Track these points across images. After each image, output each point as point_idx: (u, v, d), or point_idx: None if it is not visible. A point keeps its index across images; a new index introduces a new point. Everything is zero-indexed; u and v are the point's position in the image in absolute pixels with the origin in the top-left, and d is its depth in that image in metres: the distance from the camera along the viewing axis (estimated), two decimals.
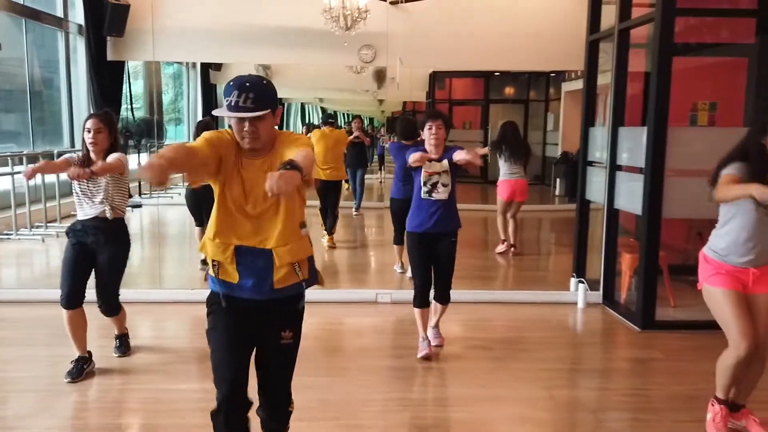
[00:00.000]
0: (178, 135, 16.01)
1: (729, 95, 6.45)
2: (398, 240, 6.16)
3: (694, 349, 4.41)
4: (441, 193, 3.99)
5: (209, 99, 15.31)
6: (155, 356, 4.22)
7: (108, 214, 3.74)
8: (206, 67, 14.61)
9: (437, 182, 3.99)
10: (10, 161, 7.92)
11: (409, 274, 5.47)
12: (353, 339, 4.82)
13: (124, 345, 4.16)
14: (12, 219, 7.80)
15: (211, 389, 2.35)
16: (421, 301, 4.19)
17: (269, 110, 2.21)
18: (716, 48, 6.39)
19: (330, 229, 7.70)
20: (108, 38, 9.14)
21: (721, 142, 5.00)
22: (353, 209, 10.46)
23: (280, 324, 2.37)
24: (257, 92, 2.17)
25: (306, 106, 18.71)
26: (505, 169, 7.43)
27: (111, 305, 3.92)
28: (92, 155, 3.71)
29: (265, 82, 2.24)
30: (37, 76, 9.99)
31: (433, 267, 4.16)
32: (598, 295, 5.50)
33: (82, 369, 3.79)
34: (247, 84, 2.17)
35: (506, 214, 7.53)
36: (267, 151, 2.29)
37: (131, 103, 12.09)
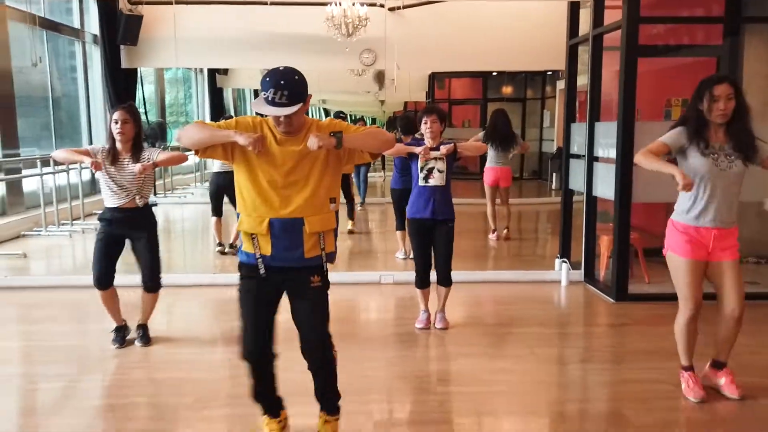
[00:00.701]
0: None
1: None
2: (400, 226, 6.78)
3: (660, 316, 4.98)
4: (437, 179, 4.49)
5: (217, 102, 15.93)
6: (185, 329, 4.83)
7: (139, 203, 4.16)
8: (213, 72, 15.25)
9: (433, 168, 4.48)
10: (39, 163, 8.53)
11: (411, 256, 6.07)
12: (360, 313, 5.42)
13: (146, 335, 4.43)
14: (41, 217, 8.41)
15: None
16: (421, 283, 4.73)
17: (301, 104, 2.57)
18: (688, 49, 6.95)
19: (350, 214, 8.54)
20: (122, 47, 9.78)
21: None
22: (357, 204, 11.03)
23: (308, 275, 2.81)
24: (291, 90, 2.52)
25: (310, 109, 19.24)
26: (491, 157, 8.03)
27: (157, 281, 4.34)
28: (119, 145, 4.06)
29: (297, 77, 2.56)
30: (56, 83, 10.57)
31: (433, 251, 4.65)
32: (579, 274, 6.09)
33: (124, 336, 4.39)
34: (282, 82, 2.51)
35: (494, 203, 8.13)
36: (298, 134, 2.70)
37: (145, 107, 12.68)
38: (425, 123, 4.52)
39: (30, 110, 10.00)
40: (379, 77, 13.84)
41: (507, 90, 17.95)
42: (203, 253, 8.01)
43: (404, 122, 6.72)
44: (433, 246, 4.63)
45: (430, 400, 3.56)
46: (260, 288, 2.80)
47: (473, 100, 18.00)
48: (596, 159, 5.91)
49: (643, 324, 4.90)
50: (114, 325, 4.42)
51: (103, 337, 4.44)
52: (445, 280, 4.68)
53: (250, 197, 2.72)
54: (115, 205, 4.14)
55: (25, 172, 8.84)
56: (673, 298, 5.32)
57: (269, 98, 2.56)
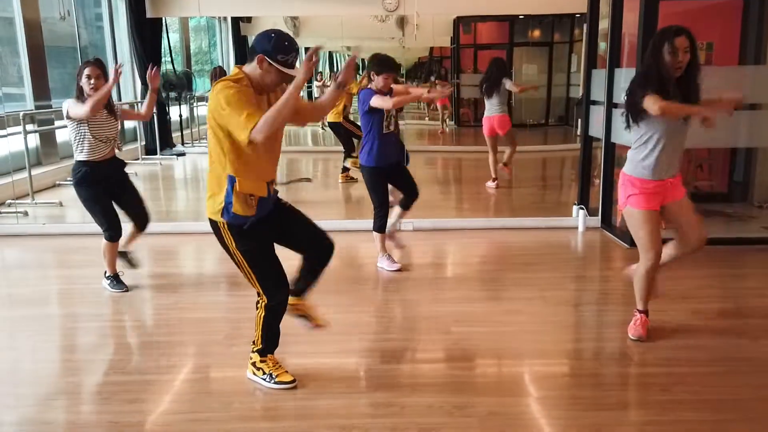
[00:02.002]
0: (208, 86, 16.66)
1: (725, 35, 6.93)
2: None
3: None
4: (394, 126, 4.84)
5: (241, 50, 15.96)
6: (211, 274, 5.09)
7: (117, 151, 4.42)
8: (237, 20, 15.25)
9: (392, 115, 4.80)
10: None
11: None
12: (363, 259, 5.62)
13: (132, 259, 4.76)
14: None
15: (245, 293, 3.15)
16: (385, 226, 4.98)
17: None
18: None
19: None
20: None
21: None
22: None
23: (281, 204, 3.15)
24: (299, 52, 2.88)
25: (334, 55, 19.15)
26: (486, 106, 8.08)
27: (149, 218, 4.59)
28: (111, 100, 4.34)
29: None
30: (83, 34, 10.72)
31: (399, 187, 5.06)
32: (597, 220, 6.19)
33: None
34: (296, 47, 2.82)
35: (495, 151, 8.20)
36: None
37: (171, 57, 12.82)
38: (386, 78, 4.64)
39: (59, 61, 10.20)
40: (402, 23, 13.73)
41: (534, 34, 17.64)
42: None
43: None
44: (398, 184, 5.06)
45: (447, 339, 3.76)
46: (266, 239, 3.05)
47: (499, 45, 17.73)
48: (615, 105, 5.93)
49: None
50: (108, 273, 4.59)
51: (135, 280, 4.70)
52: (416, 197, 5.05)
53: (254, 160, 2.89)
54: (98, 159, 4.29)
55: (57, 123, 9.09)
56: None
57: (290, 61, 2.80)
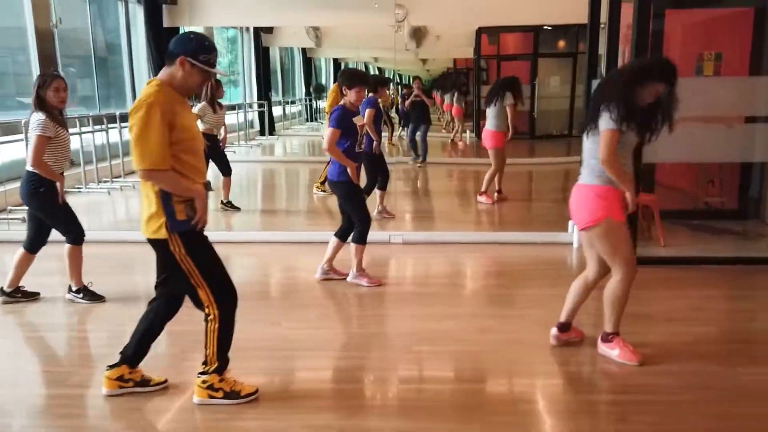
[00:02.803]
0: (234, 96, 16.84)
1: (735, 45, 6.67)
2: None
3: (660, 280, 4.89)
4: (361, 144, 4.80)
5: (265, 61, 16.09)
6: None
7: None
8: (258, 31, 15.38)
9: (363, 134, 4.80)
10: (78, 123, 8.87)
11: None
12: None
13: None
14: (81, 174, 8.78)
15: None
16: (365, 237, 4.79)
17: None
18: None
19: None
20: (164, 6, 9.97)
21: (701, 90, 5.42)
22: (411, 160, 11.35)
23: None
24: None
25: (357, 66, 19.19)
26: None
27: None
28: (64, 112, 4.29)
29: None
30: (101, 43, 10.88)
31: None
32: None
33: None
34: (216, 47, 2.87)
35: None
36: None
37: None
38: (358, 92, 4.61)
39: (78, 70, 10.36)
40: (416, 34, 13.65)
41: (559, 44, 17.43)
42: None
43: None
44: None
45: (406, 358, 3.62)
46: (209, 244, 3.02)
47: (523, 56, 17.54)
48: None
49: (641, 288, 4.75)
50: (74, 287, 4.51)
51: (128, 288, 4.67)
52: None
53: (192, 163, 2.90)
54: (61, 171, 4.31)
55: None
56: (683, 262, 5.32)
57: (211, 60, 2.83)
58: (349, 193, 4.72)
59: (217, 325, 2.96)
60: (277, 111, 18.27)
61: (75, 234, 4.37)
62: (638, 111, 3.28)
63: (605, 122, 3.23)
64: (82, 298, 4.46)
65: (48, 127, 4.11)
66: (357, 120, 4.67)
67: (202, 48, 2.80)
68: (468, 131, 15.41)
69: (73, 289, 4.47)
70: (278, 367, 3.49)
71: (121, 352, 3.16)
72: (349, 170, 4.57)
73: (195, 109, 7.39)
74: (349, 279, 4.82)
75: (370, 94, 6.81)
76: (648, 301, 4.62)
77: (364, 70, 19.93)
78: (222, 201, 7.55)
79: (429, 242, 6.06)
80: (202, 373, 3.06)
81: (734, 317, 4.29)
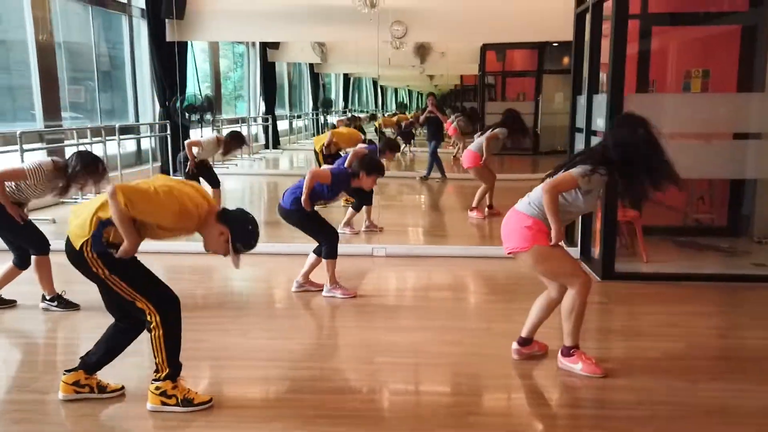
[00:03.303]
0: (240, 110, 16.99)
1: (723, 62, 6.67)
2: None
3: (640, 296, 4.87)
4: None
5: (270, 75, 16.24)
6: None
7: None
8: (264, 46, 15.54)
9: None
10: (76, 134, 9.01)
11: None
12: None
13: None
14: None
15: None
16: (335, 252, 4.83)
17: None
18: (711, 17, 6.60)
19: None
20: (167, 20, 10.12)
21: (689, 107, 5.42)
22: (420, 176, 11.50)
23: None
24: None
25: (363, 80, 19.35)
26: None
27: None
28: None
29: None
30: (104, 58, 11.04)
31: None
32: (576, 251, 5.95)
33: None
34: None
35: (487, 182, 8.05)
36: None
37: (198, 81, 13.09)
38: (374, 182, 5.00)
39: (80, 83, 10.52)
40: (420, 51, 13.73)
41: (564, 61, 17.44)
42: None
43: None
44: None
45: (366, 369, 3.62)
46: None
47: (528, 72, 17.58)
48: (594, 133, 5.73)
49: (617, 303, 4.79)
50: (47, 296, 4.54)
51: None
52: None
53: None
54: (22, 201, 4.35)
55: (66, 142, 9.33)
56: (665, 278, 5.29)
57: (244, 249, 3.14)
58: (302, 219, 4.77)
59: (161, 332, 2.98)
60: (284, 125, 18.42)
61: (38, 245, 4.40)
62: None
63: (576, 169, 3.29)
64: (56, 306, 4.49)
65: (37, 173, 4.13)
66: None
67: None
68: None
69: (47, 298, 4.51)
70: (235, 377, 3.51)
71: (81, 357, 3.19)
72: (303, 199, 4.65)
73: (203, 139, 7.58)
74: (324, 293, 4.84)
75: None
76: (621, 317, 4.62)
77: (371, 86, 20.06)
78: None
79: (412, 255, 6.07)
80: (155, 380, 3.08)
81: (706, 333, 4.24)
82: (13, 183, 4.19)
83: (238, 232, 3.01)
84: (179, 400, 3.06)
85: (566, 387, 3.41)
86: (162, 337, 2.99)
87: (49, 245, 4.45)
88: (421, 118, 12.40)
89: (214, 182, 7.57)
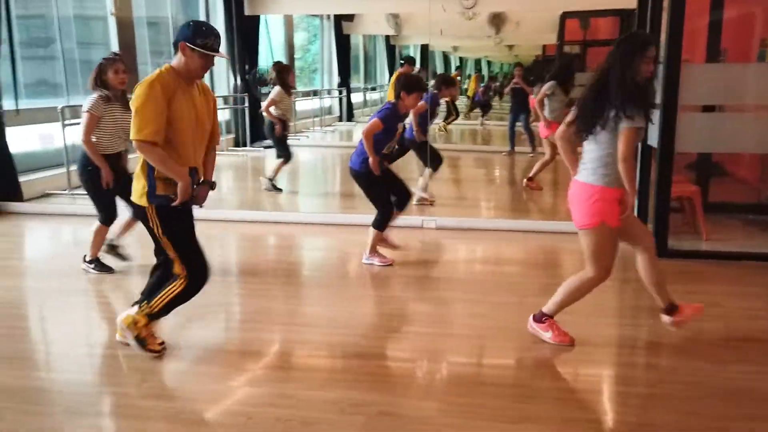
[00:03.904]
0: (312, 83, 17.23)
1: None
2: None
3: (686, 274, 4.70)
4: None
5: (344, 49, 16.35)
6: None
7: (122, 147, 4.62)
8: (339, 19, 15.65)
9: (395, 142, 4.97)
10: None
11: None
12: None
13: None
14: None
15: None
16: (385, 224, 4.89)
17: None
18: None
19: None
20: None
21: (736, 77, 5.13)
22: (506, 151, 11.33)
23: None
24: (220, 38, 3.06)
25: (436, 53, 19.14)
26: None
27: None
28: (112, 93, 4.44)
29: None
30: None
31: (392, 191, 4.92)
32: None
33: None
34: (216, 31, 3.06)
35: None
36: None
37: (272, 53, 13.40)
38: (416, 98, 4.79)
39: (159, 58, 10.98)
40: (495, 20, 13.46)
41: None
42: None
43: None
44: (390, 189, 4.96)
45: (389, 338, 3.72)
46: (189, 225, 3.27)
47: (611, 41, 16.80)
48: (652, 105, 5.49)
49: (668, 281, 4.61)
50: (89, 257, 4.77)
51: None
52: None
53: (179, 150, 3.12)
54: (112, 152, 4.52)
55: None
56: (716, 257, 5.08)
57: (209, 44, 3.01)
58: (369, 183, 4.82)
59: (179, 290, 3.19)
60: (358, 98, 18.56)
61: (106, 216, 4.65)
62: (646, 98, 3.21)
63: (626, 121, 3.12)
64: (93, 269, 4.77)
65: (97, 107, 4.40)
66: (401, 127, 4.89)
67: (199, 33, 2.99)
68: None
69: (87, 259, 4.79)
70: (256, 338, 3.67)
71: (139, 302, 3.36)
72: (371, 161, 4.67)
73: (272, 94, 7.66)
74: (363, 260, 4.93)
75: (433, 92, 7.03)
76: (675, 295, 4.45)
77: (443, 58, 19.84)
78: (269, 177, 7.81)
79: (462, 228, 6.06)
80: (138, 306, 3.28)
81: (747, 315, 4.04)
82: (94, 137, 4.47)
83: (187, 37, 3.03)
84: (138, 336, 3.26)
85: (585, 362, 3.38)
86: (176, 293, 3.21)
87: (113, 219, 4.68)
88: (506, 89, 12.16)
89: (286, 155, 7.77)
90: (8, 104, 7.18)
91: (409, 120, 6.50)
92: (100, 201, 4.65)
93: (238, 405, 2.96)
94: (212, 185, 3.34)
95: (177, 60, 3.07)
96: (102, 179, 4.47)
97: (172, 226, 3.16)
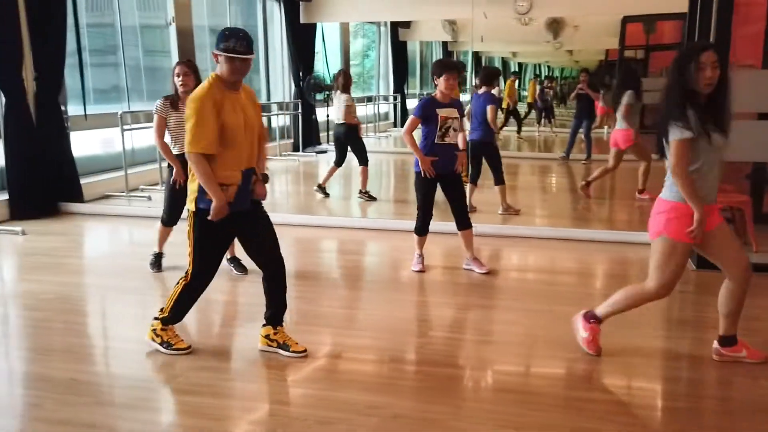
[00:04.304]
0: (369, 89, 17.37)
1: None
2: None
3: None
4: (452, 137, 4.65)
5: (401, 55, 16.44)
6: None
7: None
8: (396, 26, 15.76)
9: (450, 126, 4.64)
10: None
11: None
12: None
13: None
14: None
15: None
16: (423, 230, 4.91)
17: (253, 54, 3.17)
18: None
19: None
20: (301, 3, 10.65)
21: None
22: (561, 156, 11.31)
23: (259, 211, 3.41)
24: (248, 39, 3.15)
25: (495, 60, 19.01)
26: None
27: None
28: (181, 96, 4.55)
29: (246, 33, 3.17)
30: None
31: (449, 199, 4.83)
32: None
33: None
34: (241, 34, 3.12)
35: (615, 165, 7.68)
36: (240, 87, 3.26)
37: (326, 59, 13.62)
38: (447, 79, 4.60)
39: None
40: (552, 25, 13.30)
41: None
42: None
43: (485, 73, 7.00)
44: (448, 196, 4.83)
45: (415, 342, 3.75)
46: (225, 235, 3.44)
47: (674, 46, 16.38)
48: None
49: (704, 294, 4.50)
50: (155, 251, 5.01)
51: None
52: (468, 223, 4.90)
53: (232, 154, 3.23)
54: (179, 152, 4.64)
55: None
56: (764, 269, 4.88)
57: (231, 47, 3.12)
58: (417, 183, 4.84)
59: (181, 289, 3.39)
60: (414, 104, 18.62)
61: (166, 214, 4.85)
62: (712, 108, 3.08)
63: (673, 132, 3.06)
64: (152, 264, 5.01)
65: (160, 108, 4.64)
66: (448, 113, 4.68)
67: (221, 38, 3.13)
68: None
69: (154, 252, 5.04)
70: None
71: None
72: (420, 162, 4.68)
73: (344, 101, 7.57)
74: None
75: (483, 89, 6.85)
76: (699, 306, 4.38)
77: (502, 64, 19.65)
78: (360, 190, 7.81)
79: (501, 235, 6.04)
80: (155, 318, 3.49)
81: None
82: (167, 137, 4.68)
83: (216, 46, 3.17)
84: (163, 341, 3.46)
85: (607, 372, 3.34)
86: (180, 293, 3.40)
87: (174, 223, 4.85)
88: (572, 95, 12.03)
89: (363, 159, 7.80)
90: (75, 109, 7.55)
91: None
92: (166, 201, 4.86)
93: (259, 402, 3.06)
94: (266, 178, 3.46)
95: (218, 68, 3.22)
96: (175, 179, 4.67)
97: (206, 234, 3.30)
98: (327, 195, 7.92)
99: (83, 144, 7.84)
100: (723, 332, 3.38)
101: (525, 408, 2.97)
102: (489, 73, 7.01)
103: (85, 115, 7.64)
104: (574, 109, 12.00)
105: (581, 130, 10.97)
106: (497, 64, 19.69)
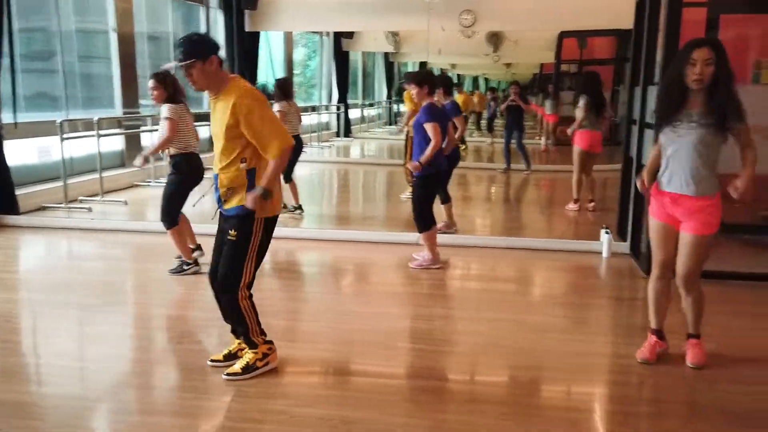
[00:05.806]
0: (311, 99, 17.29)
1: None
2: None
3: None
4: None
5: (342, 65, 16.43)
6: None
7: (165, 152, 5.06)
8: (338, 36, 15.76)
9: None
10: (150, 121, 9.47)
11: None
12: (376, 271, 5.60)
13: (177, 267, 5.09)
14: (152, 170, 9.38)
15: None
16: (433, 220, 5.35)
17: (194, 59, 3.00)
18: None
19: None
20: (246, 11, 10.50)
21: (759, 99, 5.20)
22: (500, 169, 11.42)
23: (228, 228, 3.24)
24: (184, 47, 3.04)
25: (447, 73, 19.27)
26: (590, 121, 7.64)
27: (163, 220, 5.00)
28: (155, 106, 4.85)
29: (194, 37, 3.11)
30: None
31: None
32: (626, 246, 5.80)
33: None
34: (180, 41, 3.08)
35: (583, 170, 7.82)
36: (219, 93, 3.11)
37: (272, 68, 13.50)
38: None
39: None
40: (493, 39, 13.57)
41: None
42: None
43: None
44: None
45: (382, 354, 3.71)
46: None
47: (606, 61, 16.98)
48: (648, 125, 5.55)
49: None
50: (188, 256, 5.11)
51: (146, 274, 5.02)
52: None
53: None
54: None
55: (142, 127, 9.83)
56: (710, 276, 5.07)
57: (176, 57, 3.07)
58: (415, 186, 5.39)
59: (246, 302, 3.36)
60: (356, 114, 18.64)
61: (164, 214, 4.98)
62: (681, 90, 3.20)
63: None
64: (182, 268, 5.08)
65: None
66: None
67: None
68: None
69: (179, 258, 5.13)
70: None
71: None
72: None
73: (276, 107, 7.06)
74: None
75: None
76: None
77: (447, 75, 19.98)
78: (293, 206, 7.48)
79: (458, 245, 6.06)
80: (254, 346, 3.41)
81: (739, 334, 4.07)
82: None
83: None
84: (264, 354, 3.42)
85: (575, 381, 3.38)
86: (252, 304, 3.39)
87: (173, 225, 4.94)
88: (502, 106, 12.24)
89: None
90: (7, 117, 7.18)
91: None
92: (165, 198, 4.97)
93: (233, 422, 2.96)
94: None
95: None
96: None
97: (266, 237, 3.30)
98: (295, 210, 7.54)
99: (17, 153, 7.47)
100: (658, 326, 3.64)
101: (501, 419, 2.97)
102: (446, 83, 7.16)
103: (15, 123, 7.24)
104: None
105: (513, 141, 11.20)
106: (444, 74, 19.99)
